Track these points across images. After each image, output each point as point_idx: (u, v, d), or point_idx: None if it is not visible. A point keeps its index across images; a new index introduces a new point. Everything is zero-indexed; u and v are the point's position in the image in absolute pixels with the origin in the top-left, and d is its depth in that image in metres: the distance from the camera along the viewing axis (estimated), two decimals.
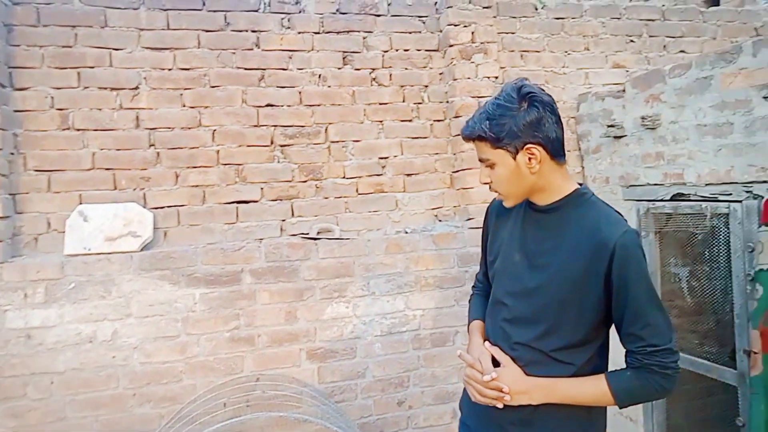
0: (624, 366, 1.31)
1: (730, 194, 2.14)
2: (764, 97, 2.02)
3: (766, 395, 1.78)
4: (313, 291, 2.64)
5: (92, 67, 2.52)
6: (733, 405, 2.05)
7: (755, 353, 1.83)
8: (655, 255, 2.62)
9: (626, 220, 1.34)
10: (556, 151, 1.32)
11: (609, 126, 2.78)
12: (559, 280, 1.29)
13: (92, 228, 2.38)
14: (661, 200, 2.53)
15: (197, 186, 2.60)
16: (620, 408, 1.30)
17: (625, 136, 2.73)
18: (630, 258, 1.24)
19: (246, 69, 2.71)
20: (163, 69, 2.60)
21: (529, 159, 1.30)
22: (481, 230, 1.61)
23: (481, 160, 1.36)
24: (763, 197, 1.96)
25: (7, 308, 2.24)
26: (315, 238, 2.67)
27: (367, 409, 2.68)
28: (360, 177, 2.83)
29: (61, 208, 2.41)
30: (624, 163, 2.75)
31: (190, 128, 2.63)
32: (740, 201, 2.09)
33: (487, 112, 1.32)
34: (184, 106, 2.64)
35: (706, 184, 2.27)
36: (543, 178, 1.33)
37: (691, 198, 2.36)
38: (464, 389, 1.57)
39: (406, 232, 2.81)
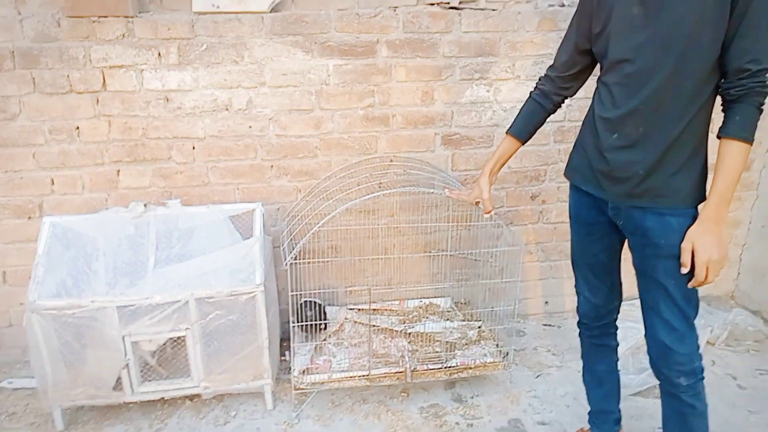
0: (723, 115, 1.36)
1: None
2: None
3: None
4: (452, 70, 2.36)
5: None
6: None
7: None
8: None
9: None
10: None
11: None
12: (689, 9, 1.29)
13: None
14: None
15: None
16: None
17: None
18: None
19: None
20: None
21: None
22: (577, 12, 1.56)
23: None
24: None
25: (143, 67, 2.12)
26: (457, 8, 2.31)
27: (499, 201, 2.57)
28: None
29: None
30: None
31: None
32: None
33: None
34: None
35: None
36: None
37: None
38: (573, 152, 1.67)
39: (563, 5, 2.38)
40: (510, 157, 1.79)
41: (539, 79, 1.72)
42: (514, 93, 2.43)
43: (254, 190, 2.34)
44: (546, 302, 2.74)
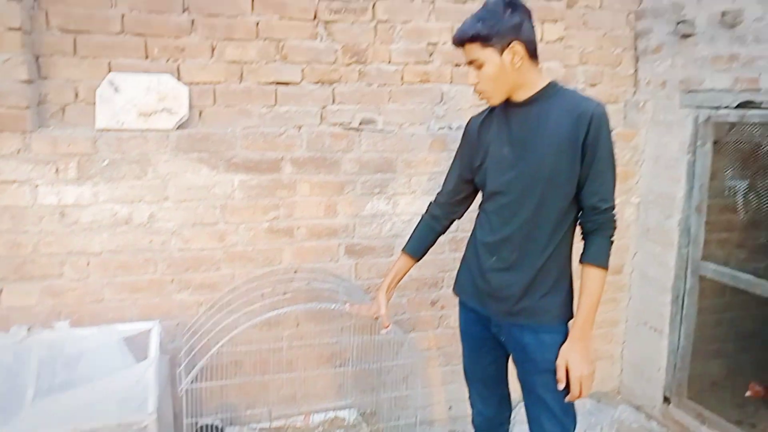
0: (582, 244, 1.59)
1: None
2: None
3: None
4: (354, 185, 2.51)
5: None
6: None
7: None
8: (706, 166, 2.54)
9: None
10: (533, 52, 1.55)
11: (678, 23, 2.58)
12: (548, 154, 1.51)
13: (124, 101, 2.16)
14: (726, 108, 2.40)
15: (235, 62, 2.36)
16: None
17: (695, 35, 2.54)
18: (602, 125, 1.50)
19: None
20: None
21: (513, 56, 1.51)
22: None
23: (470, 63, 1.56)
24: None
25: (38, 182, 2.06)
26: (357, 129, 2.50)
27: (401, 307, 2.66)
28: (406, 64, 2.61)
29: (89, 75, 2.17)
30: (688, 66, 2.59)
31: None
32: None
33: (477, 16, 1.52)
34: None
35: None
36: (522, 75, 1.55)
37: (763, 106, 2.24)
38: (460, 271, 1.86)
39: (451, 128, 2.65)
40: (406, 272, 1.92)
41: (429, 204, 1.90)
42: (412, 206, 2.61)
43: (153, 306, 2.27)
44: (450, 407, 2.79)
